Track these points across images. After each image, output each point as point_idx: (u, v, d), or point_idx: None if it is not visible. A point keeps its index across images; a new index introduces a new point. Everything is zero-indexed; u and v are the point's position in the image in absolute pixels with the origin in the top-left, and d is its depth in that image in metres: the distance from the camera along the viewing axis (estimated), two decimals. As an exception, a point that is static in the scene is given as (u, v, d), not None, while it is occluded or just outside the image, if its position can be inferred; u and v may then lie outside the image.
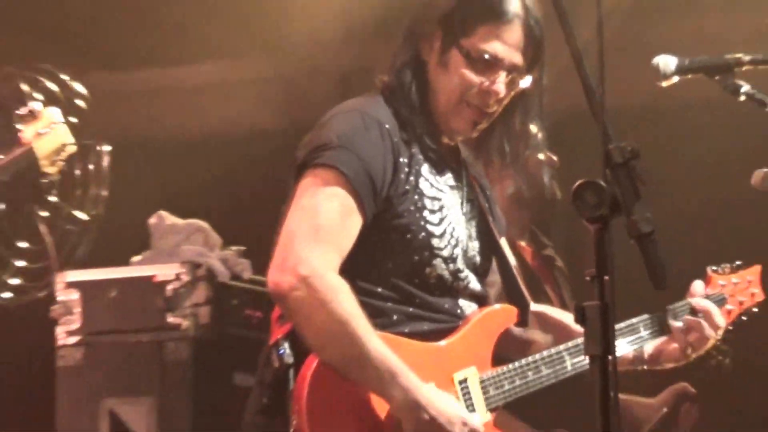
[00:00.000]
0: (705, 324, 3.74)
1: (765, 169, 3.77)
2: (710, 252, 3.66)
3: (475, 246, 3.71)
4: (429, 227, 3.51)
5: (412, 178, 3.49)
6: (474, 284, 3.68)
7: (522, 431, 4.43)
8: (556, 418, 4.95)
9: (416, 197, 3.49)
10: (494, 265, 3.84)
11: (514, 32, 3.50)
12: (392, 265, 3.49)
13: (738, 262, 4.06)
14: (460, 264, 3.61)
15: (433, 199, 3.54)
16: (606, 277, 2.33)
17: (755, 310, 4.14)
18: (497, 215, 3.91)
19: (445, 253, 3.55)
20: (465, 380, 3.49)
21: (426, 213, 3.52)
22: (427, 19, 3.59)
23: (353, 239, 3.37)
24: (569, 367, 3.65)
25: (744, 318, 4.04)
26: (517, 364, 3.62)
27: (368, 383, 3.31)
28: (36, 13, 7.04)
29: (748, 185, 3.82)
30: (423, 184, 3.52)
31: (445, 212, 3.58)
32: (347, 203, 3.35)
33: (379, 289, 3.47)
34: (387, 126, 3.45)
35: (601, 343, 2.33)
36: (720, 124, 4.68)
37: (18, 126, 3.46)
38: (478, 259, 3.71)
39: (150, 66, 7.82)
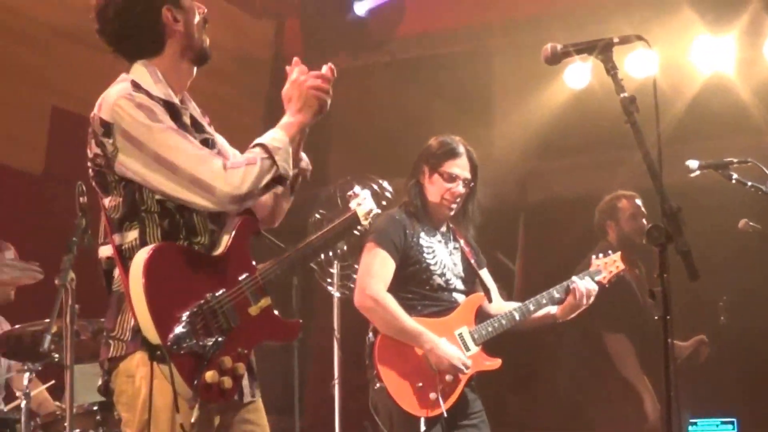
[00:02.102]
0: (575, 296, 6.50)
1: (745, 220, 7.09)
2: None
3: (459, 267, 6.63)
4: (427, 259, 6.46)
5: (414, 240, 6.46)
6: (460, 285, 6.56)
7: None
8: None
9: (418, 247, 6.46)
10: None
11: (464, 161, 6.52)
12: (412, 282, 6.43)
13: (611, 252, 6.82)
14: (449, 276, 6.53)
15: (427, 247, 6.50)
16: (666, 275, 4.14)
17: (623, 274, 7.03)
18: (477, 253, 6.82)
19: (438, 271, 6.50)
20: (461, 334, 6.44)
21: (424, 253, 6.47)
22: (421, 162, 6.56)
23: (391, 274, 6.38)
24: (531, 307, 6.55)
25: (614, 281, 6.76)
26: (490, 320, 6.51)
27: (410, 342, 6.27)
28: (362, 135, 9.35)
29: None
30: (421, 241, 6.49)
31: (435, 252, 6.52)
32: (385, 256, 6.39)
33: (409, 295, 6.41)
34: (397, 218, 6.47)
35: (664, 311, 4.09)
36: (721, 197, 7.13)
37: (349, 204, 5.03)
38: (462, 273, 6.62)
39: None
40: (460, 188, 6.44)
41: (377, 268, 6.33)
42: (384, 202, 4.84)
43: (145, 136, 4.21)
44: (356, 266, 6.79)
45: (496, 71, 11.03)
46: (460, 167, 6.45)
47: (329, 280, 8.32)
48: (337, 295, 8.40)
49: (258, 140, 4.29)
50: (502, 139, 10.92)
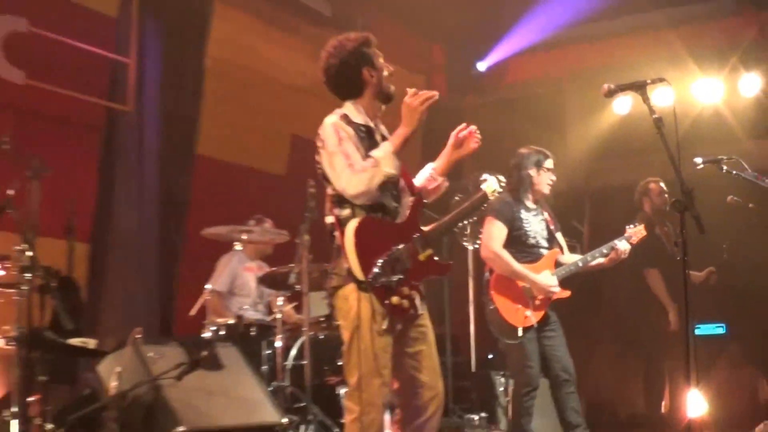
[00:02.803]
0: (617, 253, 6.50)
1: (731, 196, 7.36)
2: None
3: (544, 231, 6.63)
4: (524, 227, 6.51)
5: (517, 214, 6.51)
6: (544, 243, 6.60)
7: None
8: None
9: (519, 219, 6.50)
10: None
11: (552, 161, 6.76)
12: (516, 242, 6.49)
13: (637, 223, 6.72)
14: (538, 237, 6.59)
15: (525, 218, 6.54)
16: (684, 230, 4.63)
17: (657, 231, 8.03)
18: (555, 221, 6.71)
19: (531, 234, 6.54)
20: (545, 274, 6.46)
21: (523, 222, 6.51)
22: (527, 163, 6.56)
23: (504, 237, 6.46)
24: (589, 259, 6.56)
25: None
26: (563, 266, 6.56)
27: (516, 278, 6.41)
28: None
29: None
30: (521, 215, 6.53)
31: (530, 222, 6.56)
32: (500, 225, 6.47)
33: (513, 250, 6.47)
34: (506, 200, 6.50)
35: (683, 253, 4.64)
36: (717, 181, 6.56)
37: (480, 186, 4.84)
38: (546, 235, 6.63)
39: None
40: (554, 177, 6.63)
41: (495, 233, 6.45)
42: (501, 187, 4.71)
43: (329, 150, 4.42)
44: (481, 231, 6.70)
45: (568, 103, 11.52)
46: (552, 165, 6.63)
47: (465, 238, 8.14)
48: (470, 247, 8.28)
49: (371, 153, 4.43)
50: (572, 149, 11.25)
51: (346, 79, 4.60)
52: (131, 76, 8.87)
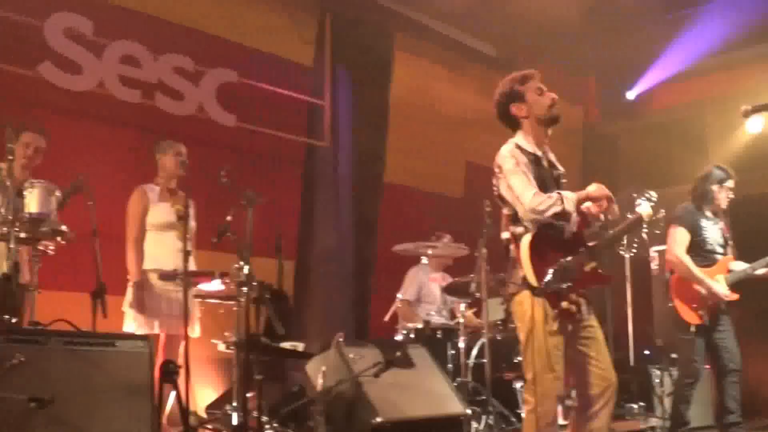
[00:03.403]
0: None
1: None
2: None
3: (720, 240, 6.49)
4: (704, 234, 6.43)
5: (697, 222, 6.43)
6: (719, 250, 6.46)
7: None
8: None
9: (699, 227, 6.43)
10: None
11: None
12: (695, 247, 6.38)
13: None
14: (715, 245, 6.46)
15: (704, 227, 6.46)
16: None
17: None
18: (729, 231, 6.60)
19: (710, 241, 6.43)
20: (718, 278, 6.34)
21: (703, 230, 6.44)
22: (711, 180, 6.46)
23: (686, 243, 6.37)
24: (757, 266, 6.45)
25: None
26: (734, 271, 6.44)
27: (694, 281, 6.25)
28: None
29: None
30: (702, 223, 6.46)
31: (708, 230, 6.46)
32: (683, 232, 6.39)
33: (693, 255, 6.36)
34: (689, 209, 6.48)
35: None
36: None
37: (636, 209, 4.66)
38: (721, 242, 6.49)
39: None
40: (732, 194, 6.55)
41: (679, 239, 6.42)
42: (652, 203, 4.61)
43: (507, 173, 4.42)
44: (636, 241, 6.74)
45: (708, 125, 11.13)
46: (733, 184, 6.55)
47: (622, 247, 7.61)
48: (627, 256, 8.10)
49: (558, 191, 4.40)
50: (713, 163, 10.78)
51: (502, 114, 4.62)
52: (326, 116, 9.12)
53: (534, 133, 4.57)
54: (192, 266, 5.77)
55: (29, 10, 6.96)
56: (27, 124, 5.81)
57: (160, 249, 6.17)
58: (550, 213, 4.31)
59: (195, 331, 6.17)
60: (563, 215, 4.37)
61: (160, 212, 6.22)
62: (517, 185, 4.38)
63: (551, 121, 4.58)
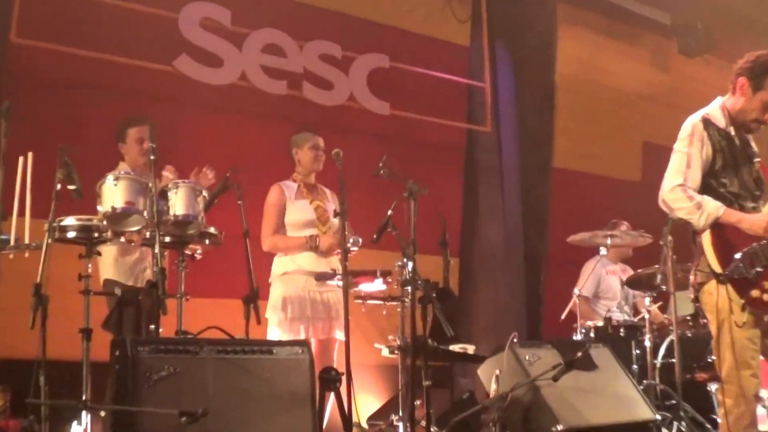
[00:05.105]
0: None
1: None
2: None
3: None
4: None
5: None
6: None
7: None
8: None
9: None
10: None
11: None
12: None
13: None
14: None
15: None
16: None
17: None
18: None
19: None
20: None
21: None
22: None
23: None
24: None
25: None
26: None
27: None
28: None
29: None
30: None
31: None
32: None
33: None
34: None
35: None
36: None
37: None
38: None
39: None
40: None
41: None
42: None
43: (675, 147, 4.35)
44: None
45: None
46: None
47: None
48: None
49: (705, 199, 4.27)
50: None
51: (740, 76, 4.43)
52: (487, 98, 9.10)
53: (745, 110, 4.43)
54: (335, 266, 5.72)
55: (162, 2, 7.06)
56: (130, 120, 5.72)
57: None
58: (676, 216, 4.34)
59: (340, 335, 5.92)
60: (757, 181, 4.35)
61: (298, 210, 6.10)
62: (671, 164, 4.36)
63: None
